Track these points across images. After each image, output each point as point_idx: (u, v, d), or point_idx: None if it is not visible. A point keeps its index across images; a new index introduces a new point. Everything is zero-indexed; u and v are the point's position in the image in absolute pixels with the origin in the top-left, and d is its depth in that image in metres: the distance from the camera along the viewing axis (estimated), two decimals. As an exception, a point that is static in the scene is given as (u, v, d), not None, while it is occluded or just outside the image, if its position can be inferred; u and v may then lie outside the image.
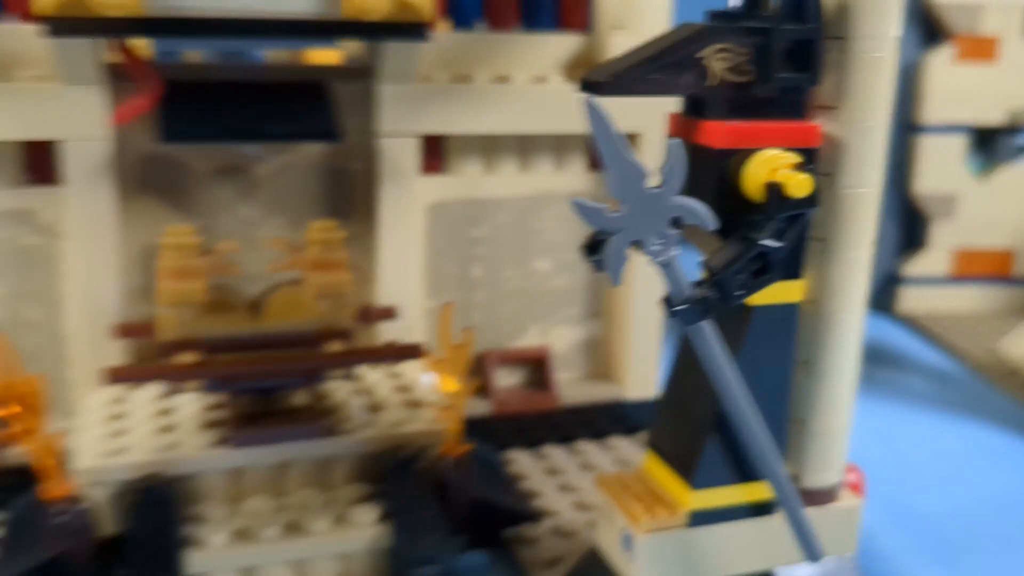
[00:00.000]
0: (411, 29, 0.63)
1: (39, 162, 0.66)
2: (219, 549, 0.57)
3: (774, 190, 0.50)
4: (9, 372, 0.53)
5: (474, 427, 0.67)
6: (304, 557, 0.59)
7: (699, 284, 0.49)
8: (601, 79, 0.49)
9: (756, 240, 0.50)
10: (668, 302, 0.49)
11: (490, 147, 0.78)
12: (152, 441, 0.62)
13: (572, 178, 0.81)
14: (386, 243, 0.75)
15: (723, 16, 0.51)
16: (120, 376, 0.60)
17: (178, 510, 0.58)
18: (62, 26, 0.57)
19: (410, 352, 0.65)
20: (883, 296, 1.34)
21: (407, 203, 0.74)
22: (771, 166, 0.50)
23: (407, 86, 0.71)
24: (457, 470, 0.63)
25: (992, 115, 1.24)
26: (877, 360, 1.15)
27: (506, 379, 0.83)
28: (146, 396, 0.69)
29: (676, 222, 0.47)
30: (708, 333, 0.50)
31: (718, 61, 0.50)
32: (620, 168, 0.46)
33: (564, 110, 0.76)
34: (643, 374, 0.84)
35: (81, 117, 0.64)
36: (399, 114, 0.72)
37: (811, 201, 0.50)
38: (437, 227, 0.78)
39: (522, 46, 0.77)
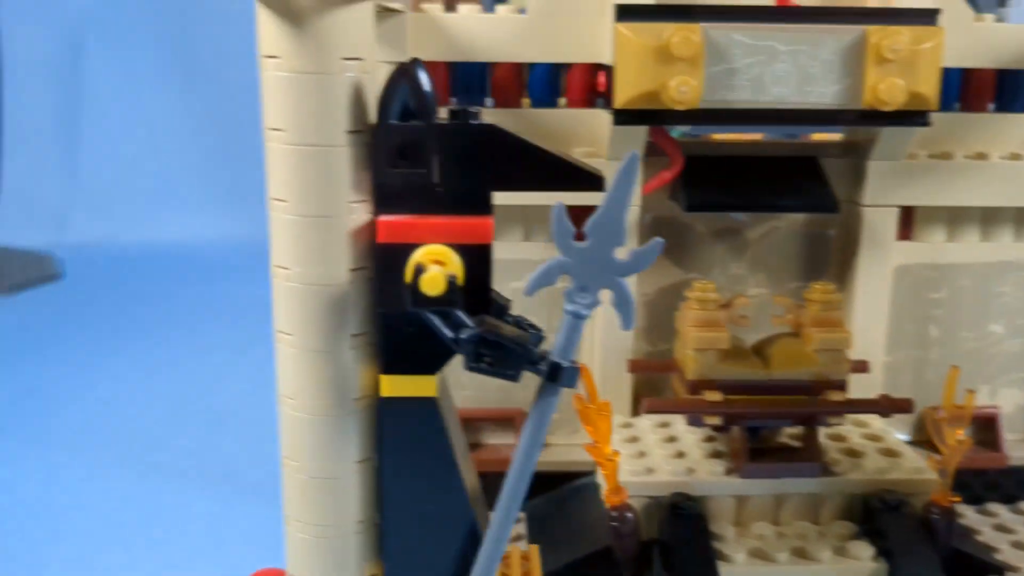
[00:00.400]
0: (916, 116, 0.71)
1: (576, 221, 0.80)
2: (741, 565, 0.67)
3: None
4: (592, 397, 0.66)
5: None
6: (810, 580, 0.67)
7: None
8: None
9: None
10: None
11: (955, 216, 0.83)
12: (670, 464, 0.73)
13: (1032, 248, 0.84)
14: (860, 302, 0.82)
15: None
16: (656, 407, 0.72)
17: (705, 525, 0.69)
18: (631, 116, 0.70)
19: (902, 406, 0.72)
20: None
21: (881, 267, 0.82)
22: None
23: (893, 163, 0.78)
24: (944, 518, 0.69)
25: None
26: None
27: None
28: (646, 424, 0.81)
29: None
30: None
31: None
32: None
33: (1033, 184, 0.80)
34: (1094, 441, 0.86)
35: (622, 188, 0.77)
36: (884, 187, 0.79)
37: None
38: (900, 288, 0.84)
39: (997, 125, 0.82)
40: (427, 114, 0.49)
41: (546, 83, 0.79)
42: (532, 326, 0.57)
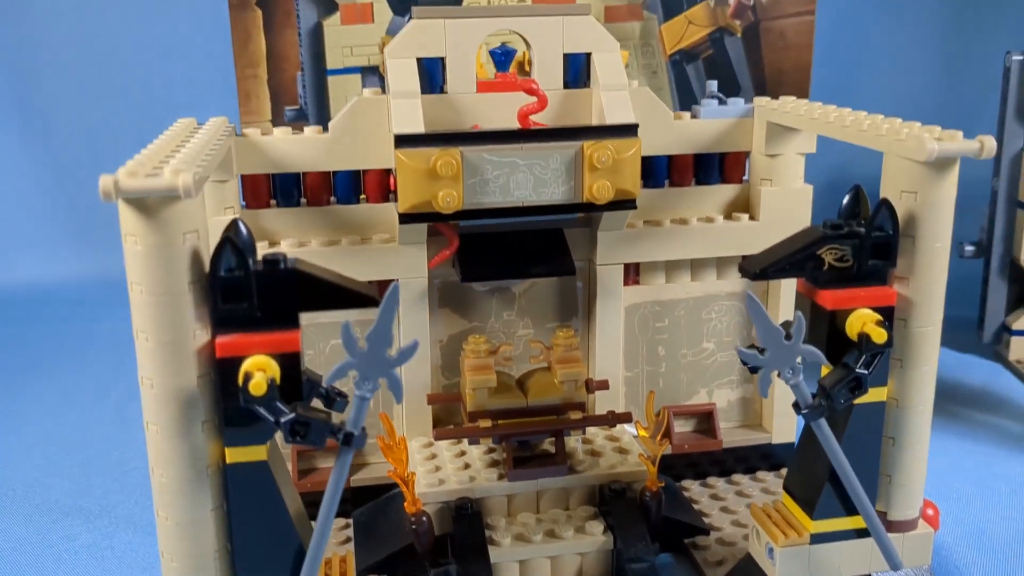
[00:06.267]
0: (625, 203, 0.96)
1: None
2: (507, 547, 0.91)
3: (864, 337, 0.79)
4: (391, 435, 0.88)
5: (660, 462, 0.98)
6: (558, 554, 0.92)
7: (817, 396, 0.80)
8: (754, 270, 0.80)
9: (854, 368, 0.79)
10: (797, 407, 0.79)
11: (671, 265, 1.09)
12: (457, 475, 0.96)
13: (729, 284, 1.11)
14: (600, 335, 1.07)
15: (832, 225, 0.81)
16: (443, 435, 0.95)
17: (481, 520, 0.93)
18: (412, 217, 0.92)
19: (624, 418, 0.97)
20: (996, 345, 1.58)
21: (614, 307, 1.07)
22: (862, 321, 0.80)
23: (617, 232, 1.04)
24: (654, 498, 0.95)
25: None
26: (983, 404, 1.40)
27: (682, 427, 1.14)
28: (443, 444, 1.04)
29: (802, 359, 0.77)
30: (823, 426, 0.80)
31: (829, 254, 0.80)
32: (767, 330, 0.76)
33: (724, 241, 1.07)
34: (785, 424, 1.14)
35: (412, 265, 0.99)
36: (611, 250, 1.04)
37: (888, 343, 0.79)
38: (632, 321, 1.10)
39: (695, 196, 1.08)
40: (244, 267, 0.69)
41: (348, 185, 1.00)
42: (340, 394, 0.78)
